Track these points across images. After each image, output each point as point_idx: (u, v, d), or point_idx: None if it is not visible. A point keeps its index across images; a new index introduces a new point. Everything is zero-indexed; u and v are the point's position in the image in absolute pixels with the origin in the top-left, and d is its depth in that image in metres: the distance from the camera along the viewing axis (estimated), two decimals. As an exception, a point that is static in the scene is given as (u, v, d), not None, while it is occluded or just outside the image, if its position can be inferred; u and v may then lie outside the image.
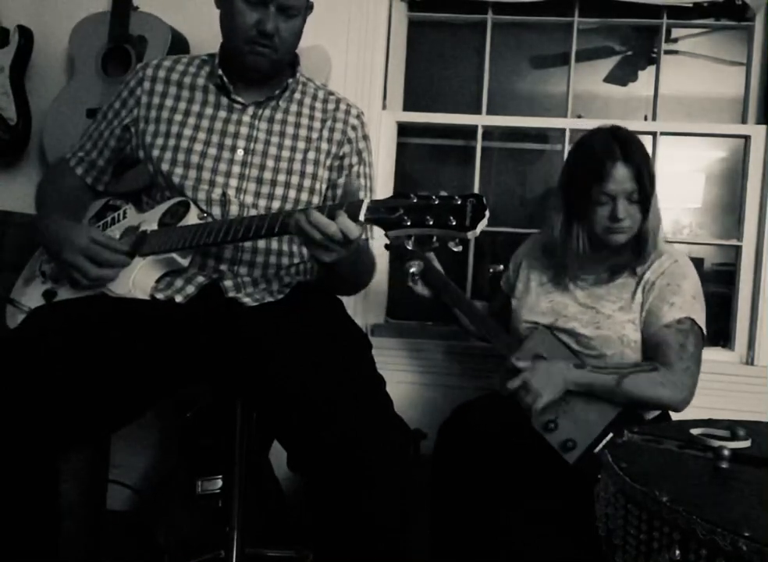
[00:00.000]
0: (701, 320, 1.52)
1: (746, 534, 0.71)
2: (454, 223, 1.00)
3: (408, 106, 2.27)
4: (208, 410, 1.80)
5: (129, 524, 2.02)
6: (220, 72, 1.41)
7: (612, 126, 1.55)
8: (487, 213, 1.00)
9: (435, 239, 1.03)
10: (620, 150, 1.48)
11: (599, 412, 1.47)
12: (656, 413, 1.55)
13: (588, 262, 1.60)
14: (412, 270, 1.69)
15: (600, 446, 1.41)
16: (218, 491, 1.74)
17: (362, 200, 1.08)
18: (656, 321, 1.52)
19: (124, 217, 1.45)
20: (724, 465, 0.92)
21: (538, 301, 1.64)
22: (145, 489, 2.10)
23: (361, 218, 1.07)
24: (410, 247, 1.05)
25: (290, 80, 1.45)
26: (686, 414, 1.46)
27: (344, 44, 2.09)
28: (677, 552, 0.77)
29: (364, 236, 1.47)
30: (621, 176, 1.47)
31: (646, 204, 1.50)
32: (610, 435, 1.42)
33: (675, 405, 1.48)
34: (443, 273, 1.70)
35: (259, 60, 1.35)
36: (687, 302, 1.52)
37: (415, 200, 1.03)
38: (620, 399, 1.46)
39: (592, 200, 1.50)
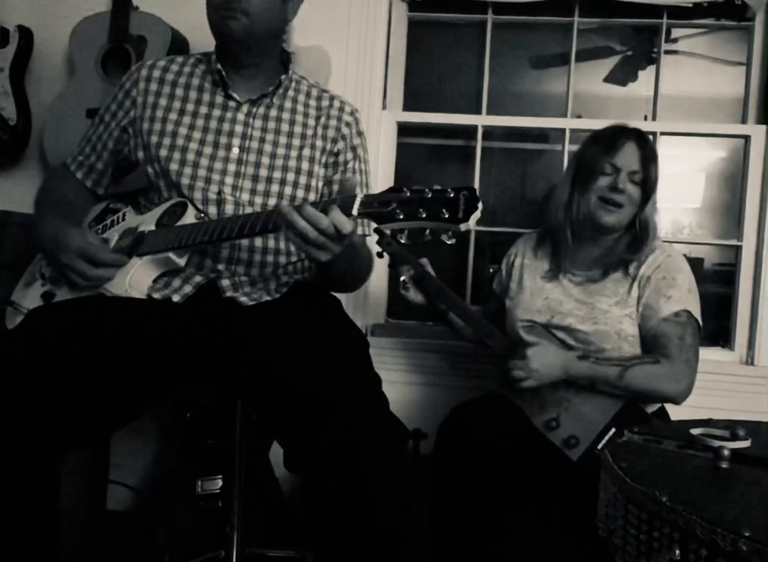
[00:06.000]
0: (697, 313, 1.55)
1: (746, 534, 0.71)
2: (447, 216, 1.00)
3: (408, 106, 2.26)
4: (208, 410, 1.80)
5: (129, 524, 2.02)
6: (219, 66, 1.41)
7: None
8: (480, 205, 1.00)
9: (428, 231, 1.03)
10: (634, 134, 1.57)
11: (600, 407, 1.47)
12: (655, 407, 1.56)
13: (584, 255, 1.61)
14: (402, 278, 1.67)
15: (604, 441, 1.41)
16: (218, 491, 1.74)
17: (355, 195, 1.08)
18: (653, 315, 1.53)
19: (123, 219, 1.46)
20: (724, 465, 0.92)
21: (533, 300, 1.65)
22: (145, 489, 2.10)
23: (354, 212, 1.06)
24: (403, 241, 1.05)
25: (283, 77, 1.45)
26: (686, 414, 1.46)
27: (344, 44, 2.09)
28: (677, 552, 0.77)
29: (360, 232, 1.48)
30: (630, 153, 1.55)
31: (648, 190, 1.54)
32: (613, 430, 1.42)
33: (676, 397, 1.50)
34: (437, 278, 1.70)
35: (231, 24, 1.32)
36: (683, 295, 1.54)
37: (408, 194, 1.03)
38: (621, 392, 1.47)
39: (597, 170, 1.55)
